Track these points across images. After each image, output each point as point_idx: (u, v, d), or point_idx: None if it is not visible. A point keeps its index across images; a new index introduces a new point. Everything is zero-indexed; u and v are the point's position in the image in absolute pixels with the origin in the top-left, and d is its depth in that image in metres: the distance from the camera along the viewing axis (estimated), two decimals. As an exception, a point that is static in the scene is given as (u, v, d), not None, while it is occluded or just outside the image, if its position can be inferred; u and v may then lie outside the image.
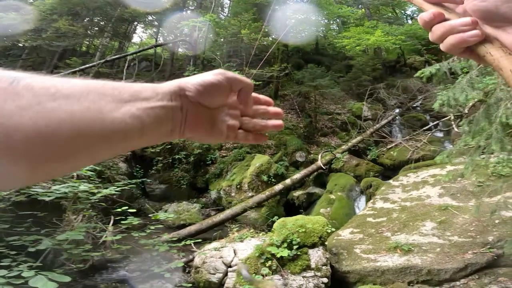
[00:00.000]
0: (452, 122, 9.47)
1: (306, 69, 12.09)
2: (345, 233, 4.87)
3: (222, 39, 16.31)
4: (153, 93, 0.41)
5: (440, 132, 10.44)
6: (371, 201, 6.05)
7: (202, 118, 0.46)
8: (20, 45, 13.41)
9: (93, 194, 4.30)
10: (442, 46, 0.43)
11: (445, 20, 0.42)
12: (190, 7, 18.74)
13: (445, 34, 0.42)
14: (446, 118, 10.17)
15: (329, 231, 4.04)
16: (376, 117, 11.28)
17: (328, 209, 6.81)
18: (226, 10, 20.19)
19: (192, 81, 0.45)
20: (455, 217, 4.56)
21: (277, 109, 0.58)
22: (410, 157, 8.48)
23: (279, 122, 0.56)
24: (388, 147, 9.57)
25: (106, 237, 3.95)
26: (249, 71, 10.52)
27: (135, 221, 3.81)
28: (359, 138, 9.85)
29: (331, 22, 20.47)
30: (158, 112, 0.40)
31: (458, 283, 3.53)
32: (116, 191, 4.39)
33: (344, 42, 13.17)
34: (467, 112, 8.93)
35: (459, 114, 9.33)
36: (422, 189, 5.84)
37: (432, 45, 15.73)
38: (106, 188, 4.50)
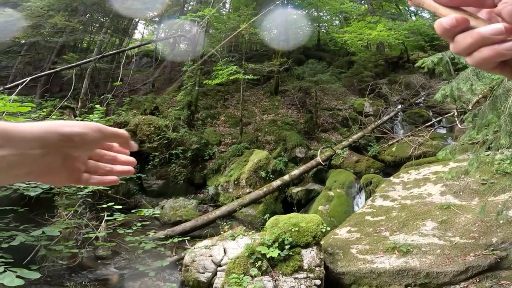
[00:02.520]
0: (456, 119, 9.21)
1: (307, 65, 11.85)
2: (342, 232, 4.70)
3: (223, 35, 16.10)
4: (3, 140, 0.39)
5: (443, 128, 10.18)
6: (370, 198, 5.86)
7: (63, 164, 0.46)
8: (21, 41, 13.32)
9: (81, 189, 4.18)
10: (470, 60, 0.36)
11: (470, 28, 0.35)
12: (191, 3, 18.53)
13: (473, 45, 0.34)
14: (449, 115, 9.91)
15: (323, 230, 3.87)
16: (378, 113, 11.04)
17: (327, 206, 6.64)
18: (227, 5, 19.92)
19: (64, 130, 0.44)
20: (457, 216, 4.35)
21: (129, 158, 0.57)
22: (412, 153, 8.26)
23: (127, 168, 0.56)
24: (390, 143, 9.34)
25: (88, 234, 3.82)
26: (248, 66, 10.32)
27: (121, 217, 3.67)
28: (359, 134, 9.63)
29: (333, 18, 20.15)
30: (10, 159, 0.39)
31: (458, 286, 3.34)
32: (107, 187, 4.27)
33: (345, 37, 12.90)
34: (470, 108, 8.66)
35: (462, 110, 9.07)
36: (424, 186, 5.63)
37: (437, 41, 15.40)
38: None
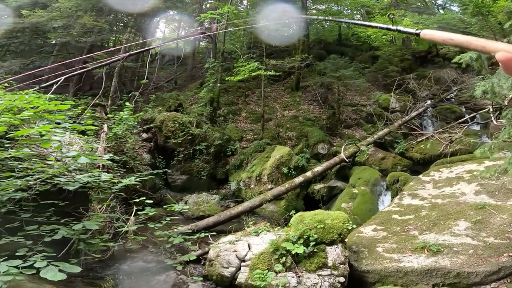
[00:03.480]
0: (491, 115, 8.67)
1: (329, 60, 11.61)
2: (367, 230, 4.60)
3: (242, 31, 16.10)
4: None
5: (477, 125, 9.64)
6: (398, 197, 5.68)
7: None
8: (51, 42, 14.05)
9: (114, 184, 4.34)
10: None
11: None
12: (210, 0, 18.68)
13: None
14: (484, 111, 9.34)
15: (349, 227, 3.81)
16: (405, 109, 10.63)
17: (350, 204, 6.52)
18: (245, 1, 19.88)
19: None
20: (492, 216, 4.13)
21: None
22: (443, 151, 7.88)
23: None
24: (418, 140, 8.97)
25: (123, 227, 3.98)
26: (269, 62, 10.28)
27: (152, 212, 3.80)
28: (385, 130, 9.33)
29: (355, 12, 19.54)
30: None
31: (488, 287, 3.19)
32: (137, 181, 4.39)
33: (369, 32, 12.51)
34: (506, 104, 8.11)
35: (498, 106, 8.52)
36: (456, 185, 5.38)
37: (468, 35, 14.51)
38: (126, 178, 4.53)
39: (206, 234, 4.34)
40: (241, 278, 3.66)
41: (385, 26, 0.69)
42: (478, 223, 4.07)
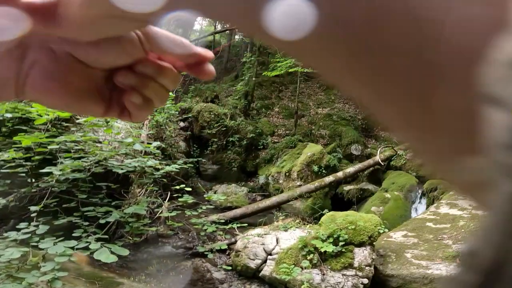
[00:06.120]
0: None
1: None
2: (397, 235, 4.51)
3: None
4: None
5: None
6: (435, 205, 5.46)
7: (70, 77, 0.26)
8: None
9: (157, 170, 4.62)
10: None
11: None
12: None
13: None
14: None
15: (381, 231, 3.79)
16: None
17: (381, 208, 6.38)
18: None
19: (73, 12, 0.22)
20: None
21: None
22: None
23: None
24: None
25: (161, 212, 4.28)
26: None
27: (190, 199, 4.03)
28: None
29: None
30: None
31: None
32: (177, 168, 4.64)
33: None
34: None
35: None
36: (500, 198, 5.04)
37: None
38: (168, 165, 4.81)
39: (238, 225, 4.52)
40: (266, 270, 3.78)
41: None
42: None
